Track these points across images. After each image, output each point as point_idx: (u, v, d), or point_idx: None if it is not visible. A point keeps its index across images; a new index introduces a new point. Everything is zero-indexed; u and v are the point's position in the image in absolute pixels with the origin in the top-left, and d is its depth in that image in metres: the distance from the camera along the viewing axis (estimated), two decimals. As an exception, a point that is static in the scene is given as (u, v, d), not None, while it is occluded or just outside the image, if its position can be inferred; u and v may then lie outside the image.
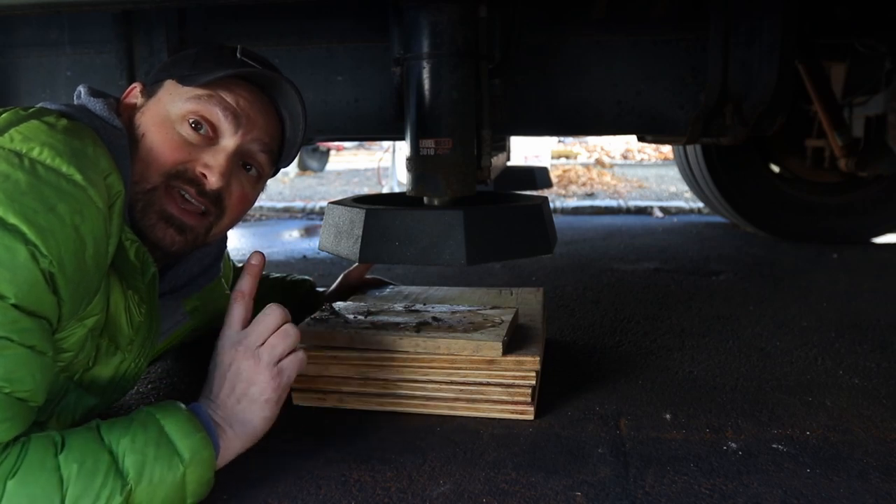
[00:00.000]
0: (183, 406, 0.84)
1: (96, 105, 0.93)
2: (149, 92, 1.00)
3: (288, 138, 1.05)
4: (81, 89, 0.97)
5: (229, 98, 0.96)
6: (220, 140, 0.96)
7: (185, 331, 1.19)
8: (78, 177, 0.78)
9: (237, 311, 0.94)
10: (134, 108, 0.99)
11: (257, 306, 1.49)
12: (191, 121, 0.94)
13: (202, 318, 1.21)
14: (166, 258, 0.99)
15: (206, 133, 0.95)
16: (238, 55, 0.99)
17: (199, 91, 0.95)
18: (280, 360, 0.92)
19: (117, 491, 0.73)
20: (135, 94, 1.01)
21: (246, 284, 0.96)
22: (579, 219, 4.07)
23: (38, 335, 0.73)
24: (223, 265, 1.18)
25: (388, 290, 1.54)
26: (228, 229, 1.06)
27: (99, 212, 0.79)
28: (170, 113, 0.95)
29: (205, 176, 0.94)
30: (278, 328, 0.93)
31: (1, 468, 0.69)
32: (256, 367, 0.90)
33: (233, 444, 0.88)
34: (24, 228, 0.72)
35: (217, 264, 1.13)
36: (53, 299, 0.74)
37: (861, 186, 2.93)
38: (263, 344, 0.91)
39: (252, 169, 1.01)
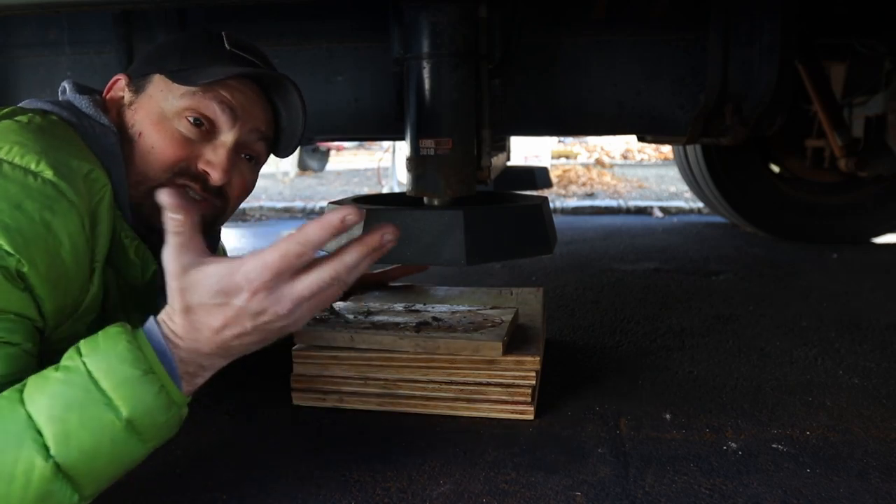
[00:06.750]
0: (125, 331, 0.69)
1: (82, 102, 0.93)
2: (136, 86, 0.98)
3: (285, 128, 1.05)
4: (66, 85, 0.97)
5: (225, 92, 0.95)
6: (220, 135, 0.96)
7: None
8: (48, 173, 0.77)
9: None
10: (120, 103, 0.98)
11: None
12: (189, 117, 0.93)
13: None
14: None
15: (205, 128, 0.95)
16: (227, 45, 0.99)
17: (194, 87, 0.94)
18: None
19: (34, 468, 0.63)
20: (119, 87, 0.99)
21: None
22: (579, 219, 4.07)
23: (4, 325, 0.72)
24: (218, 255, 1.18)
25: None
26: (230, 216, 1.08)
27: (72, 206, 0.78)
28: (165, 110, 0.94)
29: (207, 173, 0.95)
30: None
31: None
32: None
33: (197, 360, 0.71)
34: None
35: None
36: (24, 296, 0.74)
37: (861, 186, 2.92)
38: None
39: (251, 158, 1.02)
